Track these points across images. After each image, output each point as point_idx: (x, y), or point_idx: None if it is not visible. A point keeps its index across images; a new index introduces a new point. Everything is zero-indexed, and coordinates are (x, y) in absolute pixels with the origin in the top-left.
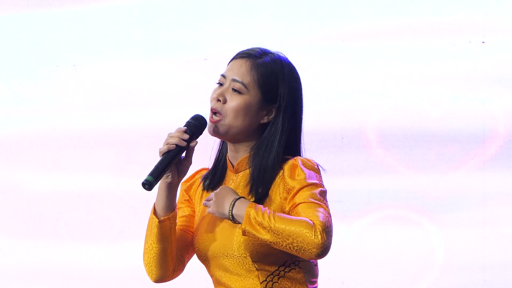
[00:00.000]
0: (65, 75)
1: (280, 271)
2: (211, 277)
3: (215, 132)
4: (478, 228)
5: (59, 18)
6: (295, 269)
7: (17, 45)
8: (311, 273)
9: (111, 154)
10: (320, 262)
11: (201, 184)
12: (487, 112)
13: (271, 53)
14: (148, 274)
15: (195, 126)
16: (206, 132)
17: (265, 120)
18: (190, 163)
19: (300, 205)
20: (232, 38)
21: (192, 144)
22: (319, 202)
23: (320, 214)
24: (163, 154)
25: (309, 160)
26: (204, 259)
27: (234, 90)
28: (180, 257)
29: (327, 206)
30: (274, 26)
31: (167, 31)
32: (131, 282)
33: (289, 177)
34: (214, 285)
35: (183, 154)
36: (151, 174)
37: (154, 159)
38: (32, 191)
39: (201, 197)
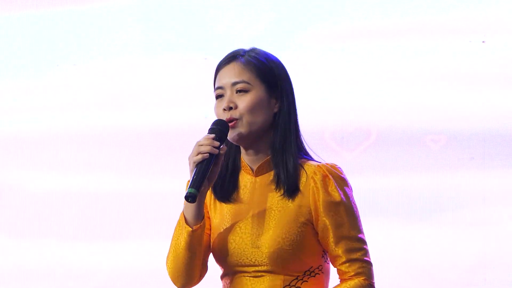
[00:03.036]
0: (65, 74)
1: (305, 276)
2: (227, 277)
3: (239, 137)
4: (478, 228)
5: (59, 18)
6: (319, 274)
7: (17, 45)
8: (328, 273)
9: (111, 154)
10: None
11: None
12: (487, 112)
13: (252, 49)
14: (174, 281)
15: (220, 131)
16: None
17: (276, 109)
18: (219, 169)
19: (342, 241)
20: (232, 38)
21: (222, 150)
22: (359, 241)
23: (365, 264)
24: (197, 164)
25: (334, 168)
26: (225, 263)
27: (239, 91)
28: (204, 261)
29: (364, 238)
30: (273, 26)
31: (167, 30)
32: (131, 282)
33: (325, 191)
34: (229, 285)
35: None
36: (192, 186)
37: (154, 158)
38: (32, 191)
39: (215, 204)
